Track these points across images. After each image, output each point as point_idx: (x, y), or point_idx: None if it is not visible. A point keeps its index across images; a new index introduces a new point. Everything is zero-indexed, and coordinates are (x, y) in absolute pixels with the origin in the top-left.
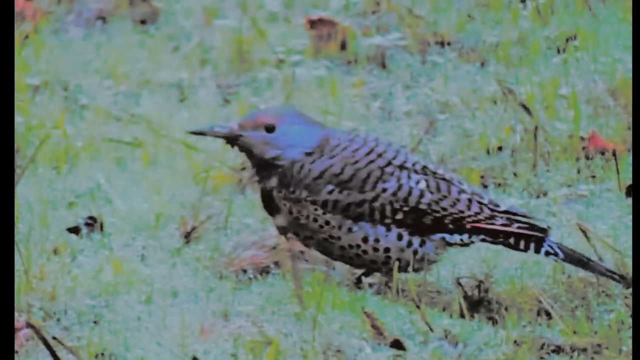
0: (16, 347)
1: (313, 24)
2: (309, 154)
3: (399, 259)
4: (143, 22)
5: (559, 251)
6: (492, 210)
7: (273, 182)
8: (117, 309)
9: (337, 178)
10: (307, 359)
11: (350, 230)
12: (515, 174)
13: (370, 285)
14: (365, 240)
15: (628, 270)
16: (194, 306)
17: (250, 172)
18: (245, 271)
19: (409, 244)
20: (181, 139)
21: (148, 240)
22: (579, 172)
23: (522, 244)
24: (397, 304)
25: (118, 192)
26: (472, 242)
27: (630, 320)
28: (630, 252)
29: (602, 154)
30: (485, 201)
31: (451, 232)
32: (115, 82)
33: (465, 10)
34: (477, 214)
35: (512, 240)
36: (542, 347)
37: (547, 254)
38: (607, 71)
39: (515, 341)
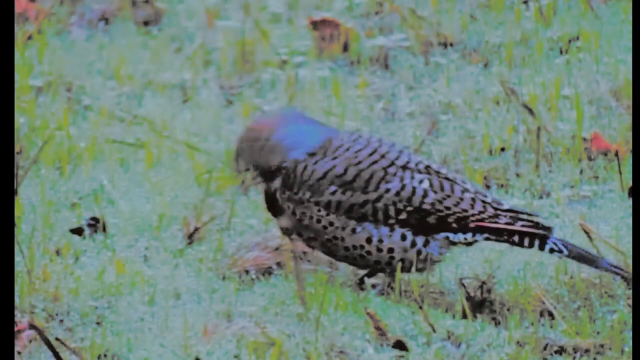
0: (19, 348)
1: (316, 25)
2: (311, 155)
3: (402, 259)
4: (146, 23)
5: (563, 248)
6: (495, 208)
7: (277, 183)
8: (120, 310)
9: (340, 179)
10: None
11: (353, 231)
12: (517, 175)
13: (373, 286)
14: (369, 240)
15: (630, 270)
16: (196, 307)
17: (253, 173)
18: (248, 272)
19: (413, 244)
20: (184, 140)
21: (151, 241)
22: (581, 172)
23: (526, 242)
24: (399, 304)
25: (121, 193)
26: (476, 240)
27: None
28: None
29: (605, 154)
30: (488, 200)
31: (455, 231)
32: (119, 83)
33: (468, 11)
34: (480, 212)
35: (516, 238)
36: (545, 348)
37: (552, 251)
38: (609, 72)
39: (518, 342)
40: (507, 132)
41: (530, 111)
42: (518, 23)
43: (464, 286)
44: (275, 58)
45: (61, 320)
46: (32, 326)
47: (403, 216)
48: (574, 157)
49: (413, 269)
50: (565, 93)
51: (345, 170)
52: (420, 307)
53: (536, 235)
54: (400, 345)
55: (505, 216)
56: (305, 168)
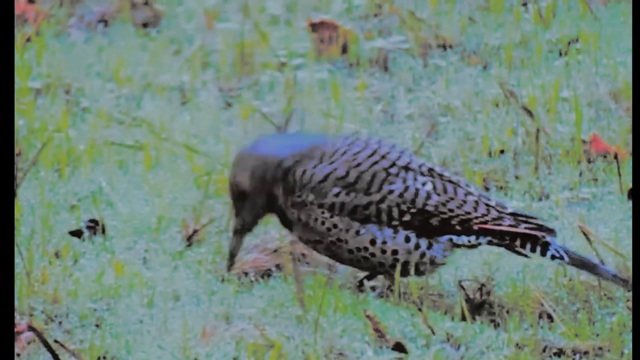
0: (18, 350)
1: (315, 27)
2: (298, 157)
3: (406, 262)
4: (145, 25)
5: (564, 255)
6: (499, 212)
7: (278, 190)
8: (119, 312)
9: (342, 181)
10: None
11: (357, 233)
12: (517, 177)
13: (373, 288)
14: (372, 242)
15: (630, 273)
16: (195, 309)
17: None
18: (247, 274)
19: (417, 246)
20: (183, 142)
21: (150, 243)
22: (580, 175)
23: (528, 247)
24: (399, 307)
25: (120, 195)
26: (480, 243)
27: (632, 323)
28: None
29: (604, 156)
30: (492, 203)
31: (458, 234)
32: (117, 85)
33: (467, 13)
34: (484, 215)
35: (518, 243)
36: (544, 350)
37: (553, 257)
38: (608, 74)
39: (517, 344)
40: (506, 134)
41: (530, 113)
42: (517, 25)
43: (463, 288)
44: (274, 60)
45: (60, 322)
46: (31, 328)
47: (407, 218)
48: (573, 160)
49: (418, 270)
50: (564, 95)
51: (347, 173)
52: (420, 309)
53: (539, 241)
54: (399, 347)
55: (509, 219)
56: (304, 172)
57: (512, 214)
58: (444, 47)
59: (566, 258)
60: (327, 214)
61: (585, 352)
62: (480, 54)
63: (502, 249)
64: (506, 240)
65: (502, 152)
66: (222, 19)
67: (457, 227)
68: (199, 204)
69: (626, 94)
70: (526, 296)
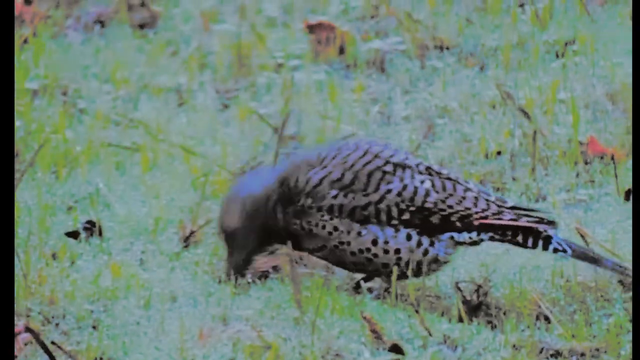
0: (15, 352)
1: (312, 28)
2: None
3: (409, 261)
4: (142, 26)
5: (567, 247)
6: (499, 206)
7: (278, 213)
8: (115, 314)
9: (339, 183)
10: None
11: (359, 234)
12: (514, 179)
13: (370, 289)
14: (374, 243)
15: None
16: (192, 310)
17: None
18: (244, 275)
19: (419, 244)
20: (180, 144)
21: (147, 245)
22: (577, 176)
23: (530, 241)
24: (396, 308)
25: (117, 197)
26: (482, 240)
27: (629, 325)
28: (629, 257)
29: (601, 158)
30: (492, 199)
31: (459, 231)
32: (114, 87)
33: (464, 15)
34: (484, 210)
35: (520, 238)
36: (541, 352)
37: (556, 250)
38: (605, 76)
39: (514, 345)
40: (503, 136)
41: (527, 115)
42: (514, 26)
43: (460, 290)
44: (271, 61)
45: (57, 324)
46: (28, 329)
47: (406, 216)
48: (570, 161)
49: (421, 270)
50: (561, 97)
51: (342, 175)
52: (417, 311)
53: (540, 235)
54: (396, 348)
55: (509, 213)
56: (297, 180)
57: (513, 208)
58: (441, 48)
59: (569, 251)
60: (326, 217)
61: (582, 354)
62: (477, 56)
63: (499, 250)
64: (508, 235)
65: (499, 153)
66: (219, 20)
67: (458, 224)
68: (196, 205)
69: (623, 96)
70: (523, 297)
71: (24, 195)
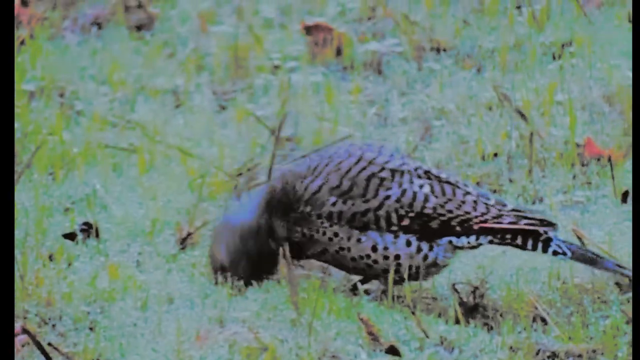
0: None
1: (309, 30)
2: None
3: (410, 266)
4: (139, 28)
5: (567, 250)
6: (499, 210)
7: (277, 227)
8: (112, 315)
9: (337, 190)
10: None
11: (359, 240)
12: (511, 180)
13: (367, 291)
14: (374, 249)
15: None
16: (189, 312)
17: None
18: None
19: (419, 249)
20: (177, 145)
21: (144, 246)
22: (574, 178)
23: (529, 244)
24: (392, 310)
25: (114, 198)
26: (481, 244)
27: (625, 327)
28: (626, 259)
29: (598, 160)
30: (491, 202)
31: (459, 235)
32: (111, 88)
33: (461, 17)
34: (483, 214)
35: (519, 241)
36: (537, 353)
37: (555, 253)
38: (602, 77)
39: (511, 347)
40: (500, 138)
41: (524, 116)
42: (511, 28)
43: (457, 291)
44: (268, 63)
45: (54, 325)
46: (25, 331)
47: (405, 222)
48: (567, 163)
49: (419, 275)
50: (558, 98)
51: (340, 182)
52: (413, 313)
53: (539, 237)
54: (393, 350)
55: (509, 216)
56: (294, 188)
57: (513, 210)
58: (438, 50)
59: (569, 253)
60: (326, 224)
61: (579, 356)
62: (474, 57)
63: (495, 252)
64: (507, 239)
65: (495, 155)
66: (216, 22)
67: (457, 228)
68: (192, 207)
69: (620, 97)
70: (520, 299)
71: (21, 197)
